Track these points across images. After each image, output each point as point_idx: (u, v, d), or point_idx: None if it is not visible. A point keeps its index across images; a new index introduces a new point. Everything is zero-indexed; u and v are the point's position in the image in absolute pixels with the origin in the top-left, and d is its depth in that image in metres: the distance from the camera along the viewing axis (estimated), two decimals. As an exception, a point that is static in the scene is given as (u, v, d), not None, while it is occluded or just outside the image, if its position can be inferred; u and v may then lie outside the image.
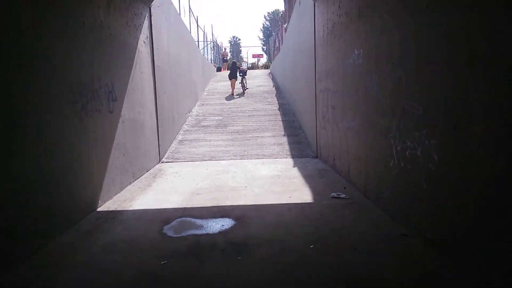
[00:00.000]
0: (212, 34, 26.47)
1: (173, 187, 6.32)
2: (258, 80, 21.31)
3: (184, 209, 5.02)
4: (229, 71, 18.10)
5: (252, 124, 11.81)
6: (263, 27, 72.50)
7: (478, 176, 2.78)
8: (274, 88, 18.20)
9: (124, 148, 6.31)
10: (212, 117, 12.88)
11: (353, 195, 5.32)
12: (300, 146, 9.59)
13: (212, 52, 26.33)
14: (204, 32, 21.21)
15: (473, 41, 2.79)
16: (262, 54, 39.53)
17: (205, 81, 19.01)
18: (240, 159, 8.77)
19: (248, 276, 3.10)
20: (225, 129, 11.42)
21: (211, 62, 25.21)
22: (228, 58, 29.44)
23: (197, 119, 12.70)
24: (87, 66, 5.07)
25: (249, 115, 12.98)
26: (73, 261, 3.48)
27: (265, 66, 31.03)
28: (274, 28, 37.46)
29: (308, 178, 6.61)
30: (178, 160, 8.79)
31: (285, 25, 20.29)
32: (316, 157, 8.65)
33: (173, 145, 9.91)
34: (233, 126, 11.72)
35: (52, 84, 4.19)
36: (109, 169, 5.65)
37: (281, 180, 6.54)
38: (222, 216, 4.64)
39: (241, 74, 17.20)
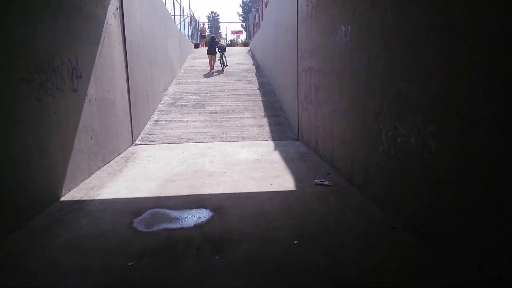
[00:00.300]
0: (189, 8, 25.48)
1: (146, 172, 5.89)
2: (237, 57, 20.67)
3: (157, 198, 4.63)
4: (207, 47, 17.58)
5: (231, 104, 11.36)
6: (243, 2, 70.70)
7: (483, 167, 2.51)
8: (254, 66, 17.67)
9: (91, 130, 5.79)
10: (190, 96, 12.33)
11: (337, 182, 5.06)
12: (281, 128, 9.25)
13: (189, 27, 25.33)
14: (180, 6, 20.27)
15: (482, 13, 2.46)
16: (242, 31, 38.51)
17: (183, 58, 18.26)
18: (219, 141, 8.37)
19: (226, 281, 2.78)
20: (203, 109, 10.93)
21: (189, 38, 24.27)
22: (206, 34, 28.45)
23: (173, 98, 12.12)
24: (46, 40, 4.50)
25: (228, 95, 12.50)
26: (25, 266, 3.06)
27: (245, 43, 30.21)
28: (253, 3, 36.38)
29: (290, 162, 6.31)
30: (153, 142, 8.32)
31: (265, 4, 19.57)
32: (298, 139, 8.34)
33: (147, 126, 9.39)
34: (212, 106, 11.24)
35: (0, 59, 3.64)
36: (74, 153, 5.16)
37: (261, 165, 6.21)
38: (198, 207, 4.28)
39: (219, 50, 16.68)
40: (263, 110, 10.81)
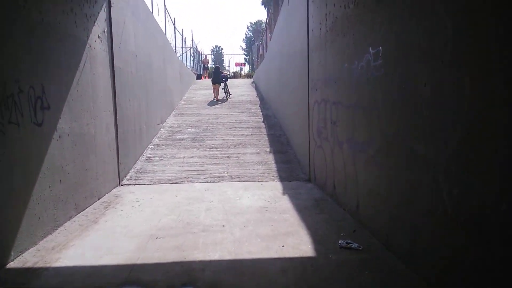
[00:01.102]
0: (192, 39, 25.07)
1: (127, 225, 4.77)
2: (240, 89, 19.95)
3: (132, 267, 3.49)
4: (210, 79, 17.34)
5: (233, 138, 10.36)
6: (246, 37, 71.70)
7: None
8: (257, 98, 16.86)
9: (61, 172, 4.73)
10: (189, 129, 11.36)
11: (368, 244, 3.91)
12: (289, 166, 8.17)
13: (192, 58, 24.88)
14: (182, 37, 19.79)
15: None
16: (245, 63, 38.32)
17: (183, 89, 17.51)
18: (219, 181, 7.27)
19: None
20: (202, 143, 9.92)
21: (191, 70, 23.74)
22: (209, 65, 28.02)
23: (171, 131, 11.15)
24: (-4, 61, 3.54)
25: (230, 128, 11.53)
26: None
27: (248, 76, 29.76)
28: (257, 36, 36.35)
29: (304, 212, 5.18)
30: (143, 182, 7.23)
31: (270, 35, 19.06)
32: (309, 180, 7.25)
33: (138, 162, 8.34)
34: (212, 140, 10.24)
35: None
36: (33, 203, 4.08)
37: (269, 215, 5.08)
38: (185, 285, 3.14)
39: (223, 80, 16.28)
40: (268, 145, 9.78)
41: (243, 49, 69.11)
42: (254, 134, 10.80)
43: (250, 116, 13.08)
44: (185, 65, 20.57)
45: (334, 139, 5.55)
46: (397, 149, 3.52)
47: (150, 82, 9.92)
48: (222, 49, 78.14)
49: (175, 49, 16.56)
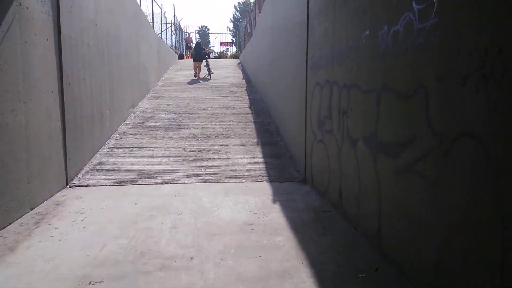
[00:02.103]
0: (174, 15, 23.15)
1: (54, 256, 3.36)
2: (225, 70, 18.41)
3: None
4: (192, 59, 16.28)
5: (215, 126, 8.94)
6: (233, 17, 69.28)
7: None
8: (244, 80, 15.38)
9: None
10: (164, 115, 9.88)
11: (404, 298, 2.63)
12: (280, 162, 6.83)
13: (173, 36, 23.04)
14: (162, 11, 17.98)
15: None
16: (231, 43, 36.46)
17: (162, 69, 15.88)
18: (194, 182, 5.89)
19: None
20: (178, 132, 8.47)
21: (173, 49, 21.96)
22: (192, 44, 26.16)
23: (142, 117, 9.65)
24: None
25: (212, 114, 10.10)
26: None
27: (234, 56, 28.07)
28: (244, 15, 34.49)
29: (302, 232, 3.86)
30: (98, 183, 5.79)
31: (259, 10, 17.43)
32: (304, 181, 5.93)
33: (97, 156, 6.86)
34: (190, 128, 8.79)
35: None
36: None
37: (256, 237, 3.75)
38: None
39: (206, 56, 15.26)
40: (255, 135, 8.41)
41: (230, 30, 66.86)
42: (239, 122, 9.40)
43: (235, 100, 11.65)
44: (165, 43, 18.82)
45: (343, 134, 4.21)
46: (461, 156, 2.19)
47: (117, 59, 8.36)
48: (208, 29, 75.69)
49: (153, 24, 14.86)
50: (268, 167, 6.59)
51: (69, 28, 5.64)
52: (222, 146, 7.59)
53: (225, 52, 31.56)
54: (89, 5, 6.58)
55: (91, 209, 4.63)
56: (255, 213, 4.49)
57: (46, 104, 4.96)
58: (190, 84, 14.13)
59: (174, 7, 36.83)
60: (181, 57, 22.21)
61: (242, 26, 28.79)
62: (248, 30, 20.68)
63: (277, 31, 8.45)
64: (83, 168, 6.23)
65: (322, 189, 5.05)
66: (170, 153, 7.17)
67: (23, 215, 4.34)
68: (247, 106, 11.03)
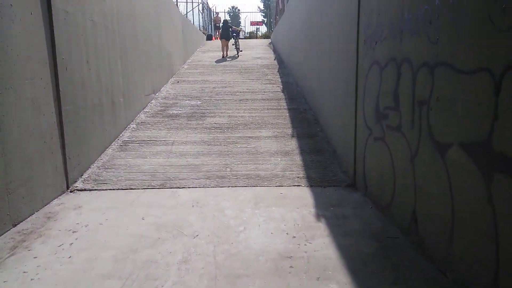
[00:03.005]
0: (202, -7, 21.90)
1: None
2: (255, 51, 17.17)
3: None
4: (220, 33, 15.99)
5: (243, 114, 7.83)
6: (264, -3, 66.87)
7: None
8: (276, 61, 14.11)
9: None
10: (187, 101, 8.88)
11: None
12: (321, 159, 5.64)
13: (201, 16, 21.92)
14: (187, -12, 16.77)
15: None
16: (262, 22, 34.87)
17: (188, 51, 14.87)
18: (216, 186, 4.84)
19: None
20: (201, 121, 7.44)
21: (200, 29, 20.87)
22: (221, 24, 24.94)
23: (164, 103, 8.69)
24: None
25: (241, 99, 8.99)
26: None
27: (265, 36, 26.63)
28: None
29: (363, 279, 2.72)
30: (104, 186, 4.85)
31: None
32: (354, 186, 4.73)
33: (109, 151, 5.95)
34: (215, 116, 7.74)
35: None
36: None
37: (297, 283, 2.65)
38: None
39: (234, 34, 14.43)
40: (289, 124, 7.23)
41: (260, 10, 64.85)
42: (270, 109, 8.24)
43: (266, 83, 10.46)
44: (192, 22, 17.74)
45: (420, 133, 2.97)
46: None
47: (132, 39, 7.37)
48: (238, 10, 73.89)
49: (177, 2, 13.79)
50: (306, 166, 5.43)
51: (63, 0, 4.64)
52: (251, 139, 6.48)
53: (255, 32, 30.12)
54: (94, -26, 5.56)
55: (87, 225, 3.69)
56: (294, 236, 3.38)
57: (32, 94, 4.01)
58: (217, 66, 13.04)
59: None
60: (209, 37, 21.12)
61: (273, 2, 27.18)
62: (280, 7, 19.18)
63: (317, 2, 7.12)
64: (89, 167, 5.32)
65: (382, 202, 3.85)
66: (191, 147, 6.15)
67: (3, 234, 3.45)
68: (279, 90, 9.83)
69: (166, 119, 7.56)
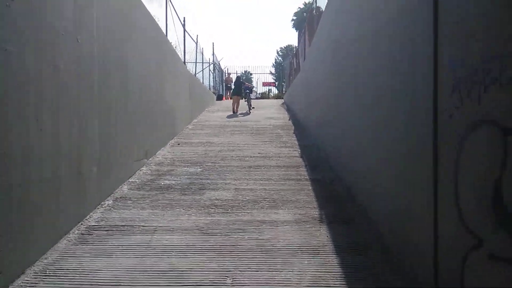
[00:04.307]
0: (213, 54, 21.45)
1: None
2: (268, 110, 15.96)
3: None
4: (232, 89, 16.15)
5: (254, 187, 6.12)
6: (276, 62, 68.53)
7: None
8: (291, 121, 12.72)
9: None
10: (185, 168, 7.26)
11: None
12: (368, 264, 3.76)
13: (212, 75, 21.23)
14: (197, 45, 16.08)
15: None
16: (274, 83, 34.55)
17: (195, 110, 13.66)
18: (208, 316, 2.99)
19: None
20: (199, 196, 5.72)
21: (210, 89, 20.02)
22: (232, 85, 24.26)
23: (156, 171, 7.08)
24: None
25: (251, 166, 7.36)
26: None
27: (277, 97, 25.82)
28: (288, 52, 32.61)
29: None
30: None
31: (308, 41, 15.07)
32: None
33: (61, 244, 4.18)
34: (217, 189, 6.03)
35: None
36: None
37: None
38: None
39: (247, 91, 14.06)
40: (314, 202, 5.46)
41: (272, 74, 66.14)
42: (288, 179, 6.53)
43: (281, 147, 8.88)
44: (201, 81, 16.83)
45: None
46: None
47: (121, 93, 5.98)
48: (251, 74, 75.87)
49: (184, 58, 12.85)
50: (348, 277, 3.55)
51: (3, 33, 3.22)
52: (264, 225, 4.68)
53: (267, 93, 29.49)
54: (64, 5, 4.25)
55: None
56: None
57: None
58: (225, 127, 11.65)
59: (213, 45, 35.82)
60: (219, 97, 20.22)
61: (286, 63, 26.72)
62: (295, 66, 18.38)
63: (347, 43, 5.70)
64: (23, 273, 3.54)
65: None
66: (180, 238, 4.35)
67: None
68: (297, 155, 8.20)
69: (154, 193, 5.87)
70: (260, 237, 4.34)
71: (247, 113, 14.71)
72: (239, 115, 14.52)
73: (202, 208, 5.24)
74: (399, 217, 3.62)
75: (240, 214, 5.02)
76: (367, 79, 4.66)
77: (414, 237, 3.23)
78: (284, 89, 28.77)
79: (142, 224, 4.74)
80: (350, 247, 4.10)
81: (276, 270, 3.64)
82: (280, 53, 69.87)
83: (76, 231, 4.51)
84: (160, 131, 8.62)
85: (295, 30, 58.93)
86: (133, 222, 4.79)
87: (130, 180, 6.44)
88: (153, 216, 4.99)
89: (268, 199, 5.57)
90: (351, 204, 5.31)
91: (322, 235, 4.39)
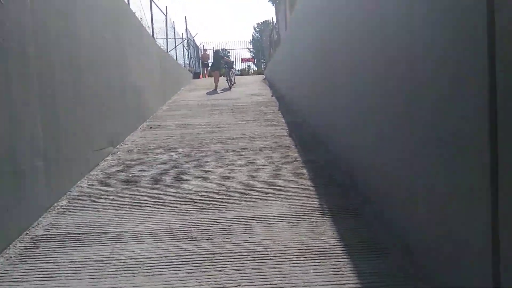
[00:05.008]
0: (187, 29, 20.03)
1: None
2: (249, 87, 14.97)
3: None
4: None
5: (239, 174, 5.24)
6: (253, 39, 66.63)
7: None
8: (274, 97, 11.81)
9: None
10: (158, 156, 6.31)
11: None
12: (385, 268, 2.97)
13: (186, 52, 19.90)
14: (166, 18, 14.72)
15: None
16: (253, 58, 33.36)
17: (170, 89, 12.55)
18: None
19: None
20: (174, 189, 4.80)
21: (185, 67, 18.75)
22: (209, 62, 22.97)
23: (124, 160, 6.10)
24: None
25: (234, 149, 6.47)
26: None
27: (258, 73, 24.73)
28: (266, 27, 31.32)
29: None
30: None
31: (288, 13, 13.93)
32: None
33: (-6, 264, 3.25)
34: (196, 179, 5.12)
35: None
36: None
37: None
38: None
39: (226, 66, 13.15)
40: (312, 189, 4.63)
41: (250, 51, 64.41)
42: (278, 163, 5.67)
43: (267, 125, 8.00)
44: (175, 59, 15.59)
45: None
46: None
47: (70, 71, 4.91)
48: (228, 52, 73.82)
49: (152, 32, 11.60)
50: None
51: None
52: (255, 222, 3.83)
53: (246, 69, 28.34)
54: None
55: None
56: None
57: None
58: (204, 106, 10.66)
59: (186, 19, 33.75)
60: (196, 76, 19.00)
61: (265, 37, 25.52)
62: (275, 38, 17.28)
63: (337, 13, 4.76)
64: None
65: None
66: (149, 248, 3.44)
67: None
68: (285, 133, 7.34)
69: (120, 188, 4.91)
70: (251, 240, 3.48)
71: (228, 89, 13.89)
72: (219, 92, 13.58)
73: (178, 205, 4.33)
74: (420, 214, 2.80)
75: (224, 210, 4.14)
76: (362, 46, 3.75)
77: (454, 257, 2.42)
78: (263, 65, 27.67)
79: (103, 230, 3.80)
80: (363, 248, 3.29)
81: (273, 285, 2.81)
82: (257, 29, 67.96)
83: (18, 245, 3.55)
84: (128, 115, 7.57)
85: (271, 4, 57.32)
86: (91, 228, 3.84)
87: (91, 173, 5.45)
88: (117, 218, 4.06)
89: (257, 189, 4.70)
90: (353, 192, 4.49)
91: (327, 232, 3.57)
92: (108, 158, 6.14)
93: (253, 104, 10.83)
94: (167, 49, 14.28)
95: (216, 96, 13.05)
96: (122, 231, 3.74)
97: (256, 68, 32.43)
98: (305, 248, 3.30)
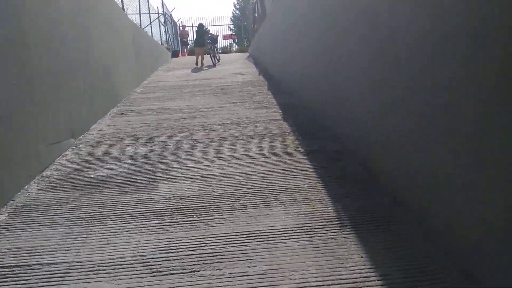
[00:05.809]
0: (163, 3, 18.49)
1: None
2: (233, 66, 13.83)
3: None
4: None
5: (228, 171, 4.24)
6: (234, 16, 64.37)
7: None
8: (261, 76, 10.74)
9: None
10: (129, 148, 5.24)
11: None
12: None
13: (163, 28, 18.44)
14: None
15: None
16: (235, 35, 31.90)
17: (146, 69, 11.32)
18: None
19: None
20: (146, 194, 3.77)
21: (163, 44, 17.34)
22: (188, 39, 21.49)
23: (87, 155, 5.01)
24: None
25: (220, 138, 5.45)
26: None
27: (241, 50, 23.45)
28: (246, 4, 29.74)
29: None
30: None
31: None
32: None
33: None
34: (175, 179, 4.09)
35: None
36: None
37: None
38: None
39: (209, 41, 12.20)
40: (321, 189, 3.68)
41: (231, 28, 62.30)
42: (275, 154, 4.69)
43: (257, 108, 7.00)
44: (151, 36, 14.22)
45: None
46: None
47: (12, 45, 3.74)
48: (209, 30, 71.40)
49: (122, 4, 10.25)
50: None
51: None
52: (254, 242, 2.86)
53: (229, 47, 26.99)
54: None
55: None
56: None
57: None
58: (184, 87, 9.54)
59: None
60: (175, 54, 17.64)
61: (249, 11, 24.11)
62: (260, 11, 16.04)
63: None
64: None
65: None
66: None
67: None
68: (279, 117, 6.36)
69: (77, 194, 3.84)
70: (251, 271, 2.52)
71: (213, 66, 13.00)
72: (202, 71, 12.56)
73: (151, 217, 3.31)
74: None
75: (212, 224, 3.15)
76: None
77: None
78: (245, 43, 26.35)
79: (47, 259, 2.77)
80: (408, 277, 2.38)
81: None
82: (238, 6, 65.65)
83: None
84: (93, 98, 6.42)
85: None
86: (32, 258, 2.80)
87: (44, 173, 4.36)
88: (68, 240, 3.02)
89: (252, 191, 3.72)
90: (376, 190, 3.57)
91: (353, 256, 2.63)
92: (67, 152, 5.03)
93: (239, 84, 9.76)
94: (140, 25, 12.90)
95: (198, 76, 11.91)
96: (73, 262, 2.72)
97: (237, 46, 31.04)
98: (328, 284, 2.36)
